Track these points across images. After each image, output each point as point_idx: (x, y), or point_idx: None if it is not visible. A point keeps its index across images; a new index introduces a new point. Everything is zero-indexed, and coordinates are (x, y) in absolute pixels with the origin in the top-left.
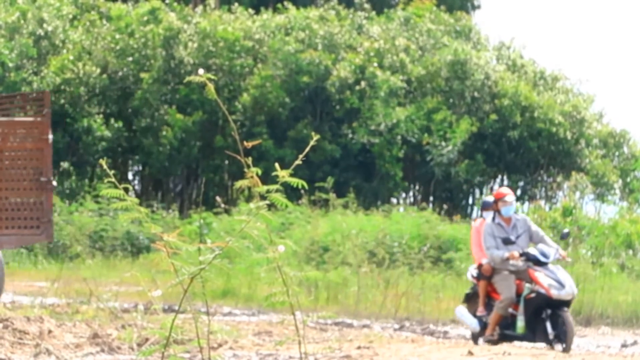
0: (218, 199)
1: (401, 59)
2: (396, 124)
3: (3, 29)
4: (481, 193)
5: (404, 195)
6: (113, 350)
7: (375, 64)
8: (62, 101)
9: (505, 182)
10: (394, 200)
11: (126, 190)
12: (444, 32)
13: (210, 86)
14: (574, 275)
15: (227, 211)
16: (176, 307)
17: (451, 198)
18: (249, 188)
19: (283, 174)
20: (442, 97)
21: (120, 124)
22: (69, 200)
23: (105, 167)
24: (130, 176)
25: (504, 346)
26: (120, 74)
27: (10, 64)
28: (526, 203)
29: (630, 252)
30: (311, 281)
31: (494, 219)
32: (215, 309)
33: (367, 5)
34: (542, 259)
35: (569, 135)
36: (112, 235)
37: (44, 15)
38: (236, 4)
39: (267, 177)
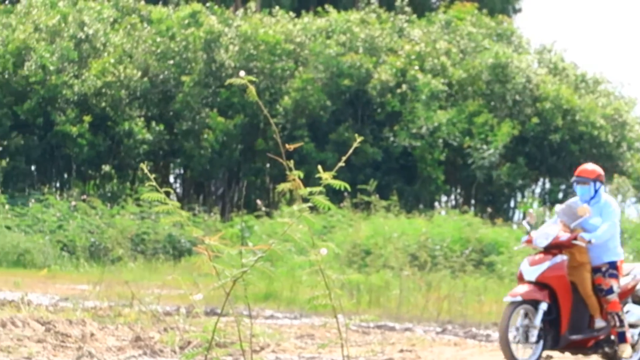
0: (259, 202)
1: (442, 62)
2: (437, 127)
3: (44, 33)
4: (522, 196)
5: (445, 198)
6: (155, 353)
7: (416, 67)
8: (103, 104)
9: (547, 185)
10: (436, 204)
11: (167, 193)
12: (485, 35)
13: (252, 89)
14: None
15: (268, 214)
16: (218, 310)
17: (493, 201)
18: (291, 191)
19: (326, 176)
20: (484, 100)
21: (162, 127)
22: (110, 203)
23: (146, 170)
24: (171, 179)
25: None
26: (161, 77)
27: (52, 67)
28: None
29: None
30: (353, 284)
31: None
32: (258, 312)
33: (408, 9)
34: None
35: (610, 138)
36: (153, 238)
37: (85, 19)
38: (277, 7)
39: (308, 180)
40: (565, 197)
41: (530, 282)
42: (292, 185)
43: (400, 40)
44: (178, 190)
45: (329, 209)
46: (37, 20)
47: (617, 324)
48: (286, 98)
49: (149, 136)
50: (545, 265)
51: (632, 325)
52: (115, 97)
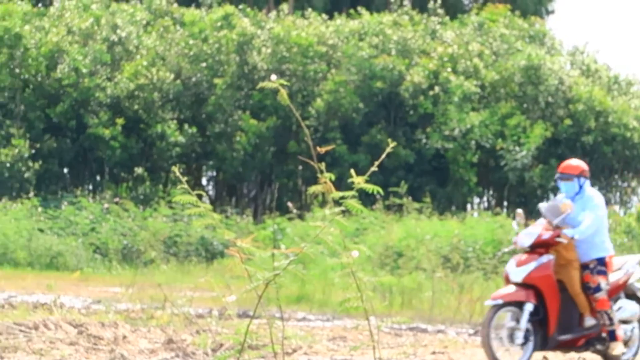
0: (291, 204)
1: (475, 64)
2: (470, 129)
3: (77, 35)
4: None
5: (477, 200)
6: (188, 355)
7: (449, 69)
8: (136, 107)
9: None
10: (468, 205)
11: (200, 196)
12: (517, 37)
13: (283, 92)
14: None
15: (300, 217)
16: (250, 313)
17: (525, 203)
18: (323, 193)
19: (359, 180)
20: (516, 102)
21: (194, 129)
22: (143, 205)
23: (178, 173)
24: (204, 182)
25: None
26: (193, 79)
27: (84, 70)
28: None
29: None
30: (385, 286)
31: None
32: (290, 315)
33: (440, 11)
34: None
35: None
36: (186, 240)
37: (118, 21)
38: (310, 10)
39: (340, 183)
40: None
41: (516, 284)
42: (324, 188)
43: (433, 42)
44: (210, 192)
45: (361, 211)
46: (70, 23)
47: (607, 322)
48: (318, 100)
49: (181, 139)
50: (532, 265)
51: (625, 321)
52: (147, 100)
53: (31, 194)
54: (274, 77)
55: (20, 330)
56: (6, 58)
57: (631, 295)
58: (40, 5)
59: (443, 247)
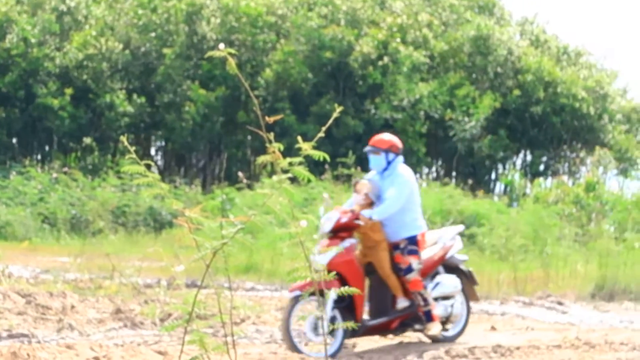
0: (240, 174)
1: (424, 35)
2: (419, 100)
3: (26, 5)
4: (504, 168)
5: (426, 170)
6: (136, 325)
7: (398, 40)
8: (85, 77)
9: (528, 157)
10: (417, 176)
11: (148, 166)
12: (467, 8)
13: (232, 61)
14: (595, 254)
15: (249, 186)
16: (199, 283)
17: (474, 173)
18: (272, 163)
19: (305, 147)
20: (465, 73)
21: (143, 99)
22: (91, 175)
23: (126, 143)
24: (152, 152)
25: (528, 321)
26: (142, 49)
27: (33, 40)
28: (549, 178)
29: None
30: None
31: None
32: (238, 285)
33: None
34: None
35: (592, 110)
36: (134, 210)
37: None
38: None
39: (289, 153)
40: (547, 169)
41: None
42: (272, 157)
43: (382, 13)
44: (159, 162)
45: (309, 180)
46: None
47: (422, 303)
48: (268, 70)
49: (130, 109)
50: (333, 252)
51: (445, 297)
52: (96, 70)
53: None
54: (222, 46)
55: None
56: None
57: (453, 269)
58: None
59: None
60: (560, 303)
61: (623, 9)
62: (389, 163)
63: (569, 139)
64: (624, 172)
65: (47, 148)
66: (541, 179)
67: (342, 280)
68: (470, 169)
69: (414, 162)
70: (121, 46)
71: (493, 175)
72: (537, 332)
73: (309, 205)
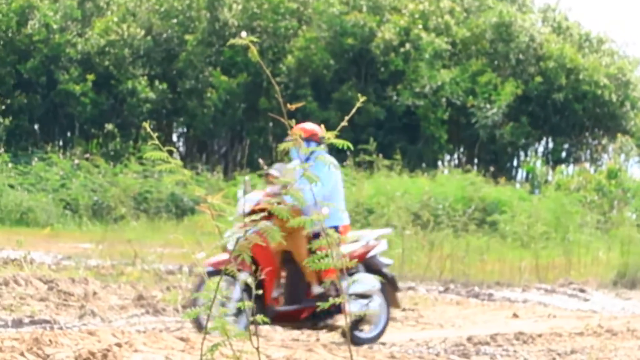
0: (262, 160)
1: (446, 21)
2: (441, 87)
3: None
4: (526, 155)
5: (448, 157)
6: (158, 312)
7: (420, 26)
8: (107, 63)
9: (550, 144)
10: (439, 163)
11: (170, 152)
12: None
13: (253, 49)
14: (617, 241)
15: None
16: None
17: (496, 160)
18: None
19: (329, 135)
20: (487, 60)
21: (165, 85)
22: (113, 162)
23: (149, 129)
24: (174, 138)
25: (549, 309)
26: (164, 35)
27: (55, 26)
28: (571, 165)
29: None
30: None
31: None
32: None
33: None
34: None
35: (614, 97)
36: (156, 197)
37: None
38: None
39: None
40: (569, 156)
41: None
42: (294, 144)
43: (405, 0)
44: (181, 149)
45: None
46: None
47: (334, 292)
48: (289, 57)
49: (152, 95)
50: (248, 233)
51: (362, 296)
52: (118, 56)
53: (1, 150)
54: (244, 33)
55: None
56: None
57: (375, 270)
58: None
59: (413, 204)
60: (582, 290)
61: None
62: (310, 153)
63: (591, 126)
64: None
65: (68, 134)
66: (563, 166)
67: (255, 263)
68: (492, 156)
69: (435, 149)
70: (143, 32)
71: (515, 163)
72: (559, 319)
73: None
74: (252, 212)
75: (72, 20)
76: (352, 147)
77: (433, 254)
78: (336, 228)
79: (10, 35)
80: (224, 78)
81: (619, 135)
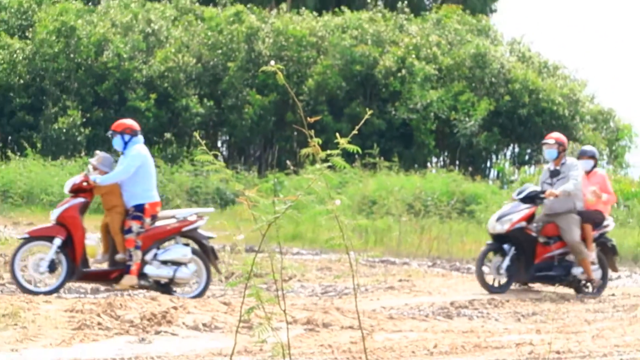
0: (288, 162)
1: (434, 52)
2: (429, 104)
3: (119, 28)
4: (497, 158)
5: (435, 160)
6: None
7: (413, 56)
8: (166, 85)
9: (516, 149)
10: (428, 164)
11: (215, 156)
12: (467, 30)
13: (280, 74)
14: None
15: (295, 172)
16: (256, 248)
17: (473, 162)
18: (313, 154)
19: (342, 142)
20: (466, 82)
21: (211, 103)
22: (170, 163)
23: (198, 138)
24: (219, 144)
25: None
26: (211, 63)
27: (125, 55)
28: (533, 166)
29: (614, 205)
30: (362, 228)
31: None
32: (286, 250)
33: (407, 9)
34: (514, 195)
35: (566, 112)
36: (204, 191)
37: (151, 17)
38: (303, 8)
39: (326, 146)
40: (531, 159)
41: (54, 220)
42: (313, 149)
43: (401, 34)
44: (224, 153)
45: (344, 167)
46: (114, 18)
47: (128, 258)
48: (310, 80)
49: (201, 110)
50: (64, 207)
51: (174, 262)
52: (175, 79)
53: (82, 154)
54: (272, 62)
55: None
56: (63, 46)
57: (197, 242)
58: (90, 3)
59: (408, 197)
60: None
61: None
62: (126, 143)
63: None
64: None
65: None
66: (526, 167)
67: (68, 231)
68: (470, 158)
69: (425, 153)
70: (194, 60)
71: (488, 164)
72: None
73: (342, 187)
74: (75, 189)
75: (138, 51)
76: (360, 151)
77: (423, 236)
78: (142, 205)
79: (89, 62)
80: (258, 97)
81: (570, 142)
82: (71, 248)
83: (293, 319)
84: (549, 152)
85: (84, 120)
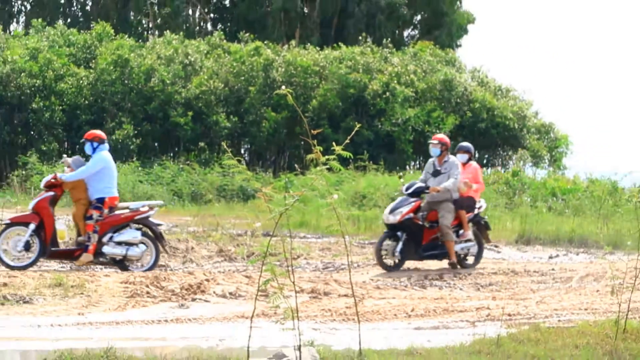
0: (297, 165)
1: (411, 78)
2: (408, 119)
3: (163, 59)
4: None
5: (413, 163)
6: (232, 259)
7: (395, 81)
8: (200, 105)
9: (477, 155)
10: (407, 167)
11: (239, 161)
12: (438, 61)
13: (290, 96)
14: (518, 216)
15: (302, 173)
16: (271, 233)
17: None
18: (316, 159)
19: (338, 149)
20: (437, 102)
21: (236, 119)
22: (204, 166)
23: (225, 147)
24: (242, 151)
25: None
26: (236, 87)
27: (167, 81)
28: (490, 168)
29: (554, 199)
30: (354, 217)
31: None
32: (295, 234)
33: (390, 45)
34: (403, 190)
35: (516, 126)
36: (231, 188)
37: (189, 51)
38: (308, 44)
39: (326, 152)
40: (488, 163)
41: (29, 210)
42: (316, 155)
43: (385, 64)
44: (246, 158)
45: (340, 169)
46: (159, 52)
47: (87, 239)
48: (314, 101)
49: (228, 124)
50: (38, 199)
51: (127, 243)
52: (207, 100)
53: (134, 159)
54: (284, 87)
55: None
56: (119, 74)
57: (150, 228)
58: (140, 40)
59: (391, 192)
60: (496, 246)
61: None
62: (94, 149)
63: (502, 144)
64: (535, 164)
65: (176, 149)
66: (485, 169)
67: (41, 218)
68: None
69: (405, 158)
70: (222, 85)
71: None
72: (483, 263)
73: (339, 185)
74: (48, 185)
75: (178, 78)
76: (352, 157)
77: None
78: (102, 198)
79: (140, 87)
80: (272, 114)
81: (519, 149)
82: (43, 231)
83: (300, 289)
84: (433, 150)
85: (135, 132)
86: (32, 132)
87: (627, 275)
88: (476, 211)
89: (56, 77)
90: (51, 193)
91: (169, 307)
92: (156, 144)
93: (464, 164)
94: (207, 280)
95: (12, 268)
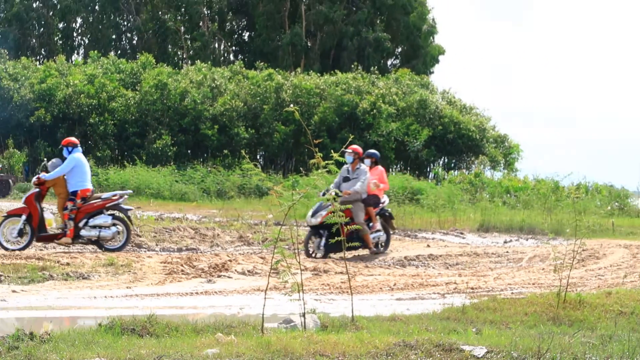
0: (302, 169)
1: (394, 98)
2: (391, 131)
3: (194, 83)
4: (433, 166)
5: (395, 167)
6: (250, 244)
7: (381, 101)
8: (224, 120)
9: (446, 160)
10: (390, 169)
11: (255, 165)
12: (415, 85)
13: (296, 113)
14: (479, 209)
15: (306, 175)
16: (281, 223)
17: (419, 168)
18: (317, 164)
19: (335, 156)
20: (414, 118)
21: (253, 131)
22: (227, 169)
23: (244, 154)
24: (258, 157)
25: (445, 242)
26: (253, 105)
27: (198, 101)
28: (456, 171)
29: (508, 195)
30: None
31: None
32: (300, 224)
33: (376, 72)
34: (320, 195)
35: (478, 137)
36: (248, 187)
37: (215, 76)
38: (311, 71)
39: (326, 158)
40: (455, 166)
41: (22, 204)
42: (317, 160)
43: (373, 87)
44: (261, 163)
45: (337, 172)
46: (191, 77)
47: (64, 226)
48: (315, 117)
49: (246, 135)
50: (27, 194)
51: (100, 226)
52: (230, 116)
53: (171, 163)
54: (291, 105)
55: (166, 230)
56: (159, 95)
57: (123, 212)
58: (176, 68)
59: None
60: (461, 233)
61: (495, 85)
62: (69, 152)
63: (466, 151)
64: (493, 168)
65: (205, 155)
66: (452, 171)
67: (30, 210)
68: (416, 166)
69: (389, 163)
70: (242, 104)
71: (428, 169)
72: (450, 247)
73: None
74: (36, 183)
75: (206, 98)
76: (347, 162)
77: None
78: (76, 191)
79: (176, 105)
80: (282, 127)
81: (480, 156)
82: (32, 221)
83: (304, 268)
84: (348, 158)
85: (172, 142)
86: (89, 142)
87: (566, 257)
88: (381, 206)
89: (109, 97)
90: (36, 190)
91: (199, 282)
92: (189, 151)
93: (371, 167)
94: (230, 260)
95: (10, 250)
